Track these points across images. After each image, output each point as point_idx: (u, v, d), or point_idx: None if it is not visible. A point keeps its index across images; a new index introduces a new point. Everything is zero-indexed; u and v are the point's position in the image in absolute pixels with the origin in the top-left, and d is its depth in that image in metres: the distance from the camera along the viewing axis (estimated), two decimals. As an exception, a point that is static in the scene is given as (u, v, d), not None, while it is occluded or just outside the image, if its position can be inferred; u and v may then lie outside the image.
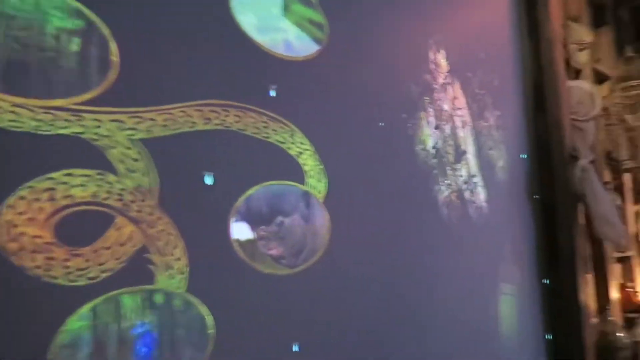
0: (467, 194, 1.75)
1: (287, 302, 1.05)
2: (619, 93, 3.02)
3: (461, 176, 1.74)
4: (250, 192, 1.04)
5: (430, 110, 1.63)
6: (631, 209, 3.32)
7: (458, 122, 1.78)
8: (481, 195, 1.83)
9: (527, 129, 2.30)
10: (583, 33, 2.57)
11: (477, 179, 1.83)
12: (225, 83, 1.04)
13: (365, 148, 1.33)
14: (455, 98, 1.79)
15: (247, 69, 1.08)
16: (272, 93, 1.12)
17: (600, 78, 3.27)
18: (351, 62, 1.33)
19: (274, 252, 1.03)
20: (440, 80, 1.71)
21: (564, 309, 2.15)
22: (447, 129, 1.70)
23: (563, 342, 2.13)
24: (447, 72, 1.75)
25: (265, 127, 1.11)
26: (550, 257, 2.19)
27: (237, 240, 0.99)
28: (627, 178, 3.23)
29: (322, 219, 1.18)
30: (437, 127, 1.64)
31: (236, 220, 0.98)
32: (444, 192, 1.62)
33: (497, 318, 1.80)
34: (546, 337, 2.08)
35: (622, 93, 3.01)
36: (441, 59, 1.74)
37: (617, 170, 3.08)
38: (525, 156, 2.16)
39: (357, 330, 1.21)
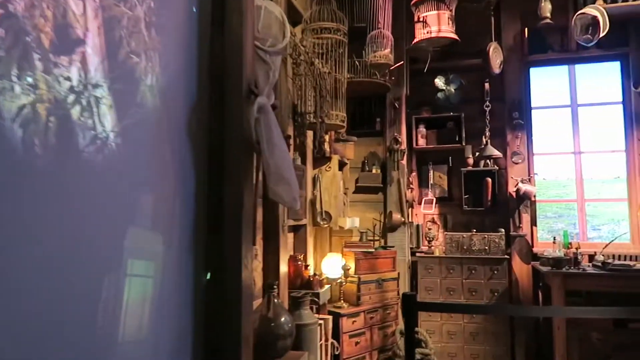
0: (76, 112, 1.20)
1: None
2: (310, 37, 3.06)
3: (67, 79, 1.18)
4: None
5: None
6: (310, 172, 3.53)
7: (72, -15, 1.20)
8: (107, 119, 1.33)
9: (198, 46, 1.94)
10: (279, -58, 2.39)
11: (103, 93, 1.32)
12: None
13: None
14: (68, -59, 1.20)
15: None
16: None
17: (293, 20, 3.29)
18: None
19: None
20: None
21: (222, 291, 1.90)
22: (44, -13, 1.10)
23: (217, 333, 1.90)
24: None
25: None
26: (211, 222, 1.91)
27: None
28: (309, 136, 3.38)
29: None
30: (15, -27, 1.02)
31: None
32: (19, 97, 1.03)
33: (117, 310, 1.35)
34: (195, 330, 1.79)
35: (314, 37, 3.06)
36: None
37: (301, 127, 3.14)
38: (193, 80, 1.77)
39: None
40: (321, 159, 3.67)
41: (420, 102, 5.00)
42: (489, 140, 4.54)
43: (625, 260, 4.35)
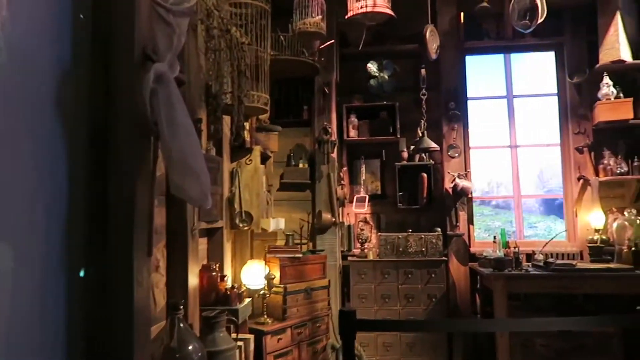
0: None
1: None
2: (227, 4, 2.68)
3: None
4: None
5: None
6: (227, 165, 3.14)
7: None
8: None
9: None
10: None
11: None
12: None
13: None
14: None
15: None
16: None
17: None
18: None
19: None
20: None
21: (108, 318, 1.51)
22: None
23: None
24: None
25: None
26: (92, 228, 1.51)
27: None
28: (227, 122, 3.01)
29: None
30: None
31: None
32: None
33: None
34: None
35: (231, 5, 2.69)
36: None
37: (215, 110, 2.75)
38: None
39: None
40: (240, 151, 3.29)
41: (351, 90, 4.75)
42: (425, 132, 4.37)
43: (563, 258, 4.35)
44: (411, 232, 4.33)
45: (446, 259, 4.35)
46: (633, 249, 3.94)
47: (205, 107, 2.88)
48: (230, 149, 3.21)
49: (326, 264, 3.75)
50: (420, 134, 4.46)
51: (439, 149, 4.45)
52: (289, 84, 4.26)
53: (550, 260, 3.97)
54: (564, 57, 4.81)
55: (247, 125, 3.29)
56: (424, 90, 4.38)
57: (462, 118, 4.71)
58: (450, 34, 4.72)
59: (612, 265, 3.86)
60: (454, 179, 4.51)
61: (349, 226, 4.56)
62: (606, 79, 4.46)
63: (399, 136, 4.58)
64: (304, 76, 3.96)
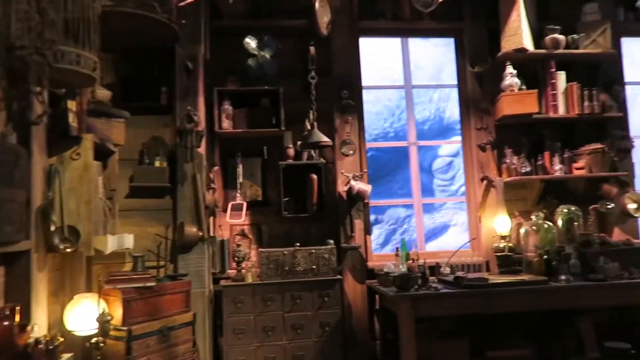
0: None
1: None
2: None
3: None
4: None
5: None
6: (41, 160, 2.31)
7: None
8: None
9: None
10: None
11: None
12: None
13: None
14: None
15: None
16: None
17: None
18: None
19: None
20: None
21: None
22: None
23: None
24: None
25: None
26: None
27: None
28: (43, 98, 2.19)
29: None
30: None
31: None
32: None
33: None
34: None
35: None
36: None
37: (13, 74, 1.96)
38: None
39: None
40: (63, 141, 2.47)
41: (224, 71, 4.06)
42: (315, 124, 3.80)
43: (469, 270, 4.04)
44: (299, 246, 3.74)
45: (341, 277, 3.82)
46: (545, 257, 3.70)
47: (5, 72, 2.05)
48: (47, 137, 2.38)
49: (190, 293, 3.04)
50: (309, 127, 3.89)
51: (331, 143, 3.91)
52: (141, 58, 3.46)
53: (460, 274, 3.58)
54: (464, 44, 4.53)
55: (73, 105, 2.48)
56: (313, 74, 3.82)
57: (356, 109, 4.24)
58: (342, 10, 4.23)
59: (525, 278, 3.56)
60: (349, 181, 4.01)
61: (222, 241, 3.85)
62: (509, 69, 4.26)
63: (283, 129, 3.96)
64: (160, 45, 3.19)
